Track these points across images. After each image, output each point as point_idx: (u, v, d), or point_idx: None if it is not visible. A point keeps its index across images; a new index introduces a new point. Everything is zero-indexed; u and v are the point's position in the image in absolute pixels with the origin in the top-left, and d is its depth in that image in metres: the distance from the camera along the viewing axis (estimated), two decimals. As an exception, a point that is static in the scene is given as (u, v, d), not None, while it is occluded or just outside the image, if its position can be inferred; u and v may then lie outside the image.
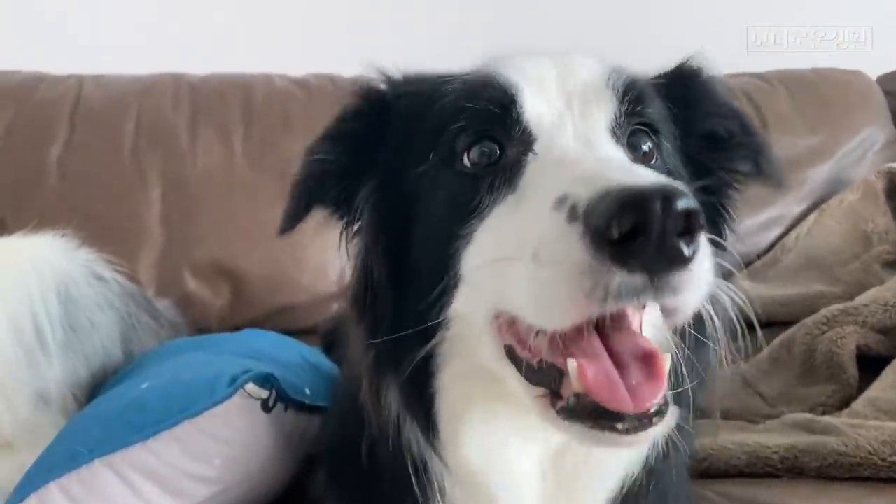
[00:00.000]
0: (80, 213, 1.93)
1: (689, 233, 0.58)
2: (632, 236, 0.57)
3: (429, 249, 0.78)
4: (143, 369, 1.26)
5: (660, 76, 0.91)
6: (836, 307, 1.52)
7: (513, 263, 0.67)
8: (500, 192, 0.74)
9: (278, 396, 1.03)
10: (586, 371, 0.66)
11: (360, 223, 0.88)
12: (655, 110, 0.83)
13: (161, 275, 1.99)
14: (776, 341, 1.59)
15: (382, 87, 0.88)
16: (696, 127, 0.89)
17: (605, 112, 0.78)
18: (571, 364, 0.66)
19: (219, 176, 2.06)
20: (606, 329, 0.69)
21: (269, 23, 2.39)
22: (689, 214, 0.57)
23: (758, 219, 2.06)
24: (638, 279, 0.58)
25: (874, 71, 2.34)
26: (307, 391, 1.12)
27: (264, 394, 1.01)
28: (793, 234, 2.02)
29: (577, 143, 0.74)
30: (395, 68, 0.91)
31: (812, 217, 2.04)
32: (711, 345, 0.80)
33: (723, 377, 1.14)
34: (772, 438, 1.27)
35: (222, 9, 2.39)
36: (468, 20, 2.47)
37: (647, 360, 0.68)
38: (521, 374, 0.73)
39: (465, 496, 0.84)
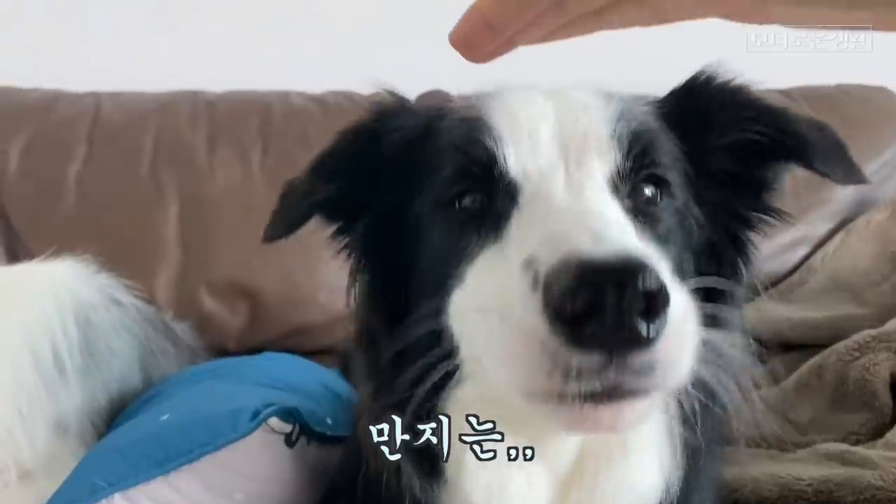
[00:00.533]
0: (97, 231, 1.93)
1: (652, 311, 0.55)
2: (589, 314, 0.55)
3: (424, 289, 0.77)
4: (162, 398, 1.24)
5: (669, 94, 0.86)
6: (868, 333, 1.48)
7: (486, 319, 0.65)
8: (487, 238, 0.73)
9: (301, 430, 1.01)
10: None
11: (357, 259, 0.87)
12: (664, 159, 0.78)
13: (178, 293, 1.98)
14: (805, 367, 1.56)
15: (376, 121, 0.86)
16: (723, 142, 0.83)
17: (605, 164, 0.74)
18: None
19: (236, 194, 2.05)
20: None
21: (287, 40, 2.39)
22: (650, 292, 0.55)
23: (782, 239, 2.02)
24: (595, 360, 0.56)
25: (874, 73, 2.30)
26: (329, 421, 1.10)
27: (287, 428, 1.00)
28: (819, 255, 1.99)
29: (566, 193, 0.71)
30: (408, 87, 0.90)
31: (838, 237, 2.00)
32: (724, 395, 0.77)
33: (748, 403, 1.12)
34: (805, 470, 1.24)
35: (240, 26, 2.38)
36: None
37: None
38: None
39: None
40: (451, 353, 0.73)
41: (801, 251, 2.04)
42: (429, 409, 0.76)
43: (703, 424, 0.77)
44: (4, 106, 2.12)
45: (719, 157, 0.84)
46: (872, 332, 1.48)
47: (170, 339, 1.56)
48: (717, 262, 0.82)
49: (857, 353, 1.45)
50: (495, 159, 0.74)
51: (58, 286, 1.31)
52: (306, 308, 2.00)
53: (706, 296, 0.78)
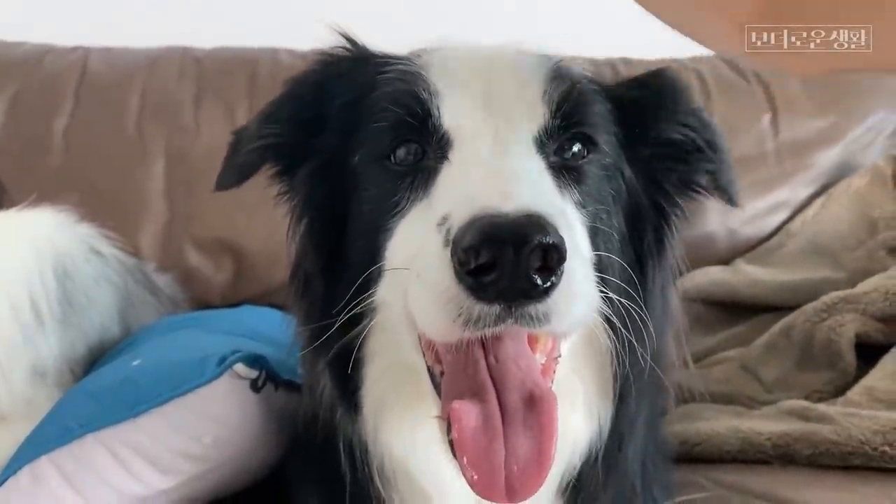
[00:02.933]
0: (84, 186, 1.94)
1: (547, 267, 0.60)
2: (489, 269, 0.60)
3: (358, 239, 0.81)
4: (137, 346, 1.27)
5: (631, 81, 0.90)
6: (836, 294, 1.51)
7: (409, 273, 0.70)
8: (417, 193, 0.76)
9: (268, 376, 1.03)
10: (466, 446, 0.67)
11: (297, 204, 0.90)
12: (593, 118, 0.82)
13: (163, 249, 1.99)
14: (776, 327, 1.58)
15: (324, 70, 0.89)
16: (659, 133, 0.87)
17: (533, 121, 0.78)
18: (455, 414, 0.68)
19: (222, 150, 2.02)
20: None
21: (276, -4, 2.38)
22: (546, 250, 0.59)
23: (763, 203, 2.04)
24: (495, 309, 0.62)
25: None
26: (300, 371, 1.12)
27: (253, 374, 1.02)
28: (798, 219, 2.00)
29: (491, 152, 0.74)
30: (395, 47, 0.90)
31: (818, 202, 2.01)
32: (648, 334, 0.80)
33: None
34: (765, 425, 1.27)
35: (228, -18, 2.37)
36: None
37: (534, 409, 0.69)
38: (432, 382, 0.76)
39: (394, 482, 0.86)
40: (374, 304, 0.78)
41: (782, 215, 2.06)
42: (353, 356, 0.81)
43: (630, 361, 0.80)
44: (-8, 59, 2.12)
45: (653, 138, 0.88)
46: (841, 293, 1.50)
47: (151, 290, 1.58)
48: (642, 225, 0.86)
49: (824, 314, 1.47)
50: (429, 112, 0.77)
51: (37, 236, 1.33)
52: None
53: (636, 259, 0.81)
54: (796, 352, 1.50)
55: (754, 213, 2.04)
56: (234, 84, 2.13)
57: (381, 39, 0.92)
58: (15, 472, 0.99)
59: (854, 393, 1.33)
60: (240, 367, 1.01)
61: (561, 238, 0.60)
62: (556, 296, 0.62)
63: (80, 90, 2.08)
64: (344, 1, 2.38)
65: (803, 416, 1.27)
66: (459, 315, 0.63)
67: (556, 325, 0.64)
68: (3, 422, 1.20)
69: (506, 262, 0.59)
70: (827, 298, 1.50)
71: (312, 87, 0.88)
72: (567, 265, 0.62)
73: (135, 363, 1.09)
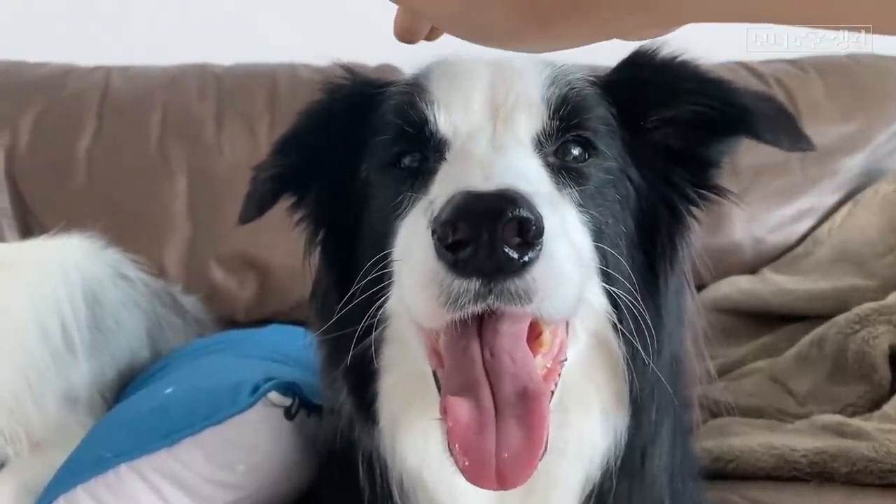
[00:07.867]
0: (108, 205, 1.95)
1: (524, 240, 0.60)
2: (466, 242, 0.60)
3: (367, 248, 0.82)
4: (167, 372, 1.27)
5: (614, 68, 0.88)
6: (868, 305, 1.48)
7: (402, 266, 0.71)
8: (417, 194, 0.77)
9: (301, 403, 1.04)
10: (458, 435, 0.68)
11: (310, 225, 0.92)
12: (593, 122, 0.81)
13: (187, 266, 1.99)
14: (807, 338, 1.56)
15: (328, 97, 0.91)
16: (667, 115, 0.85)
17: (531, 123, 0.78)
18: (449, 406, 0.69)
19: (244, 166, 2.03)
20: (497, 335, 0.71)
21: (294, 12, 2.38)
22: (521, 222, 0.60)
23: (789, 210, 2.02)
24: (474, 285, 0.62)
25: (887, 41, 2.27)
26: (322, 391, 1.12)
27: (287, 401, 1.02)
28: (825, 227, 1.97)
29: (488, 149, 0.75)
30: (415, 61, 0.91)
31: (845, 209, 1.98)
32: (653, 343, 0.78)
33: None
34: (800, 441, 1.25)
35: (247, -1, 2.38)
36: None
37: (527, 403, 0.69)
38: (437, 386, 0.76)
39: (413, 498, 0.85)
40: (385, 314, 0.79)
41: (808, 222, 2.03)
42: (370, 369, 0.82)
43: (643, 367, 0.79)
44: (15, 80, 2.13)
45: (662, 131, 0.86)
46: (873, 304, 1.48)
47: (177, 312, 1.59)
48: (654, 231, 0.84)
49: (857, 326, 1.45)
50: (426, 120, 0.78)
51: (66, 263, 1.34)
52: (314, 280, 2.02)
53: (648, 263, 0.81)
54: (828, 364, 1.48)
55: (780, 221, 2.01)
56: (254, 100, 2.14)
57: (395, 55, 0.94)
58: (50, 501, 1.00)
59: (890, 407, 1.31)
60: (273, 396, 1.01)
61: (537, 213, 0.61)
62: (535, 272, 0.62)
63: (102, 110, 2.09)
64: (360, 16, 2.40)
65: (839, 431, 1.26)
66: (441, 293, 0.63)
67: (539, 306, 0.64)
68: (38, 450, 1.21)
69: (481, 236, 0.60)
70: (859, 310, 1.48)
71: (318, 115, 0.90)
72: (546, 242, 0.62)
73: (167, 391, 1.09)
